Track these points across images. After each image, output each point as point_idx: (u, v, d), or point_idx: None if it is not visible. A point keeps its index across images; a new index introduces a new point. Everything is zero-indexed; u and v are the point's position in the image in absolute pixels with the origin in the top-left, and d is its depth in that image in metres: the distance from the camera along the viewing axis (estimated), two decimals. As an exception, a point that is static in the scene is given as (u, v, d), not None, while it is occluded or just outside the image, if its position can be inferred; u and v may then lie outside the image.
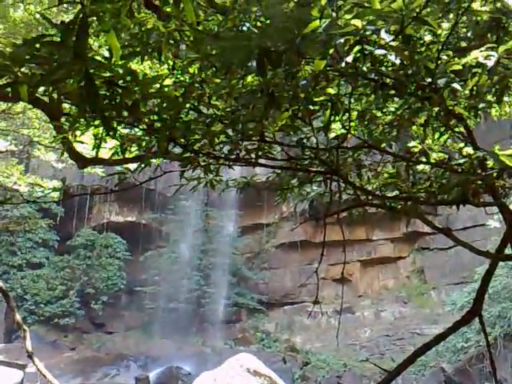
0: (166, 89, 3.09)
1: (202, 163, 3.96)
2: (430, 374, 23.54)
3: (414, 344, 23.18)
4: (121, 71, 2.76)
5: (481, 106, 3.75)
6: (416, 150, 4.48)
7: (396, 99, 4.00)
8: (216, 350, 27.33)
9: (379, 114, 4.06)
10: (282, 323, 31.00)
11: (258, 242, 32.88)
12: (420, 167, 4.87)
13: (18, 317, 5.27)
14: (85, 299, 29.42)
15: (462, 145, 4.53)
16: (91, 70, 2.57)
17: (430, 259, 28.99)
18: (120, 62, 2.74)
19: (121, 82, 2.94)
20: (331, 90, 3.12)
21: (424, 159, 4.43)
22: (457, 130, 4.18)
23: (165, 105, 3.17)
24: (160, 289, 30.12)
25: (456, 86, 2.94)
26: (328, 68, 2.76)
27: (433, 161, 4.37)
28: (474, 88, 3.35)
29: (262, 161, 4.12)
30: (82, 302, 29.20)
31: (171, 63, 4.09)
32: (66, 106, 5.29)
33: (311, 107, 3.18)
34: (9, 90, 2.74)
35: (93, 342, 28.85)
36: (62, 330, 28.41)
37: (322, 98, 3.17)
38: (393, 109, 4.14)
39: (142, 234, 31.98)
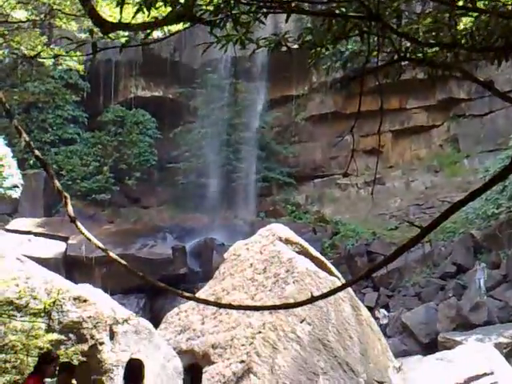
0: None
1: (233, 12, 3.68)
2: (459, 240, 23.96)
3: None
4: None
5: None
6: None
7: None
8: (248, 222, 28.08)
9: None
10: (312, 196, 31.44)
11: (287, 115, 32.44)
12: (461, 27, 4.51)
13: (58, 183, 5.28)
14: (119, 175, 30.10)
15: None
16: None
17: (465, 127, 28.39)
18: None
19: None
20: None
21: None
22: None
23: None
24: (191, 164, 30.50)
25: None
26: None
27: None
28: None
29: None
30: (116, 177, 29.90)
31: None
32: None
33: None
34: None
35: (129, 216, 29.93)
36: (100, 205, 29.43)
37: None
38: None
39: (170, 110, 31.80)
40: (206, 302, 6.10)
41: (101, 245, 5.10)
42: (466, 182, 26.15)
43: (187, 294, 4.84)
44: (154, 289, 21.16)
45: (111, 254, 4.97)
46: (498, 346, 16.74)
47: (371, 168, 28.33)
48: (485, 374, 14.30)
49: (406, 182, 29.49)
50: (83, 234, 5.07)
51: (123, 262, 4.72)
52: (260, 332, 11.77)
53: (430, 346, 19.00)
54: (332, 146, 29.03)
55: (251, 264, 14.28)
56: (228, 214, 30.10)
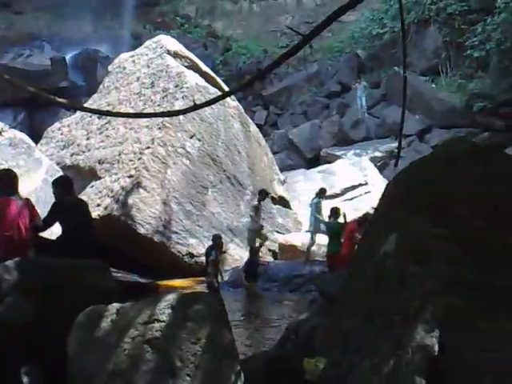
0: None
1: None
2: (345, 60, 24.40)
3: (331, 30, 23.36)
4: None
5: None
6: None
7: None
8: (134, 34, 26.44)
9: None
10: (203, 8, 29.77)
11: None
12: None
13: None
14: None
15: None
16: None
17: None
18: None
19: None
20: None
21: None
22: None
23: None
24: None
25: None
26: None
27: None
28: None
29: None
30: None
31: None
32: None
33: None
34: None
35: (0, 22, 26.92)
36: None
37: None
38: None
39: None
40: (90, 110, 5.69)
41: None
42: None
43: (62, 100, 4.41)
44: (33, 102, 19.87)
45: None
46: (373, 159, 18.13)
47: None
48: (360, 185, 15.60)
49: (298, -3, 28.74)
50: None
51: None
52: (149, 147, 11.66)
53: (314, 161, 20.18)
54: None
55: (138, 78, 13.68)
56: (112, 24, 27.90)
